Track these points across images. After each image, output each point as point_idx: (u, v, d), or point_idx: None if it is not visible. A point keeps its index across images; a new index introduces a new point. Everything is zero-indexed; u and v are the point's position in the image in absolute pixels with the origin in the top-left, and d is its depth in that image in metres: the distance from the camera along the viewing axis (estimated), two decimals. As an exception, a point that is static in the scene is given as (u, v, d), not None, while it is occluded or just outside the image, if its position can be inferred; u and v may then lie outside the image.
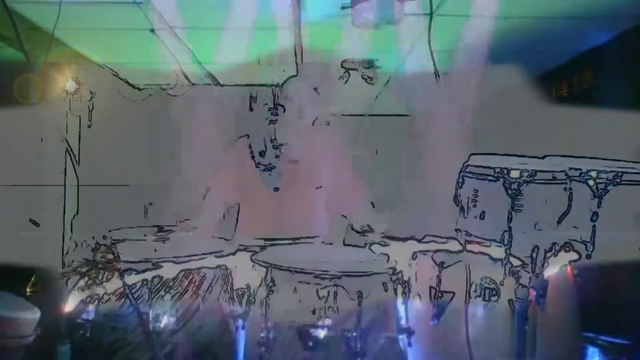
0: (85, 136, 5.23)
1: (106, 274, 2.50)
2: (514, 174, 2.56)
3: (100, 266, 2.50)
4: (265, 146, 3.14)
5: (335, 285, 2.39)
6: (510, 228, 2.55)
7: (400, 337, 2.53)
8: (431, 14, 3.50)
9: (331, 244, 2.99)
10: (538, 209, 2.56)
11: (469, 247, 2.62)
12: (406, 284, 2.59)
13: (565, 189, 2.59)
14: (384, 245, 2.71)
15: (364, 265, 2.48)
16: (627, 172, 2.60)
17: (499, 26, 3.79)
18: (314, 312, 2.38)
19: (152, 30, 3.94)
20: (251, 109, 3.18)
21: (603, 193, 2.59)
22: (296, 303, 2.40)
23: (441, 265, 2.58)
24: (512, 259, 2.56)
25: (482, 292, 2.56)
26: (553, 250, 2.55)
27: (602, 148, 2.85)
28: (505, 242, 2.56)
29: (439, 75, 3.93)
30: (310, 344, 2.36)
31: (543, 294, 2.52)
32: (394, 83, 5.14)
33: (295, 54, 4.48)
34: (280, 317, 2.44)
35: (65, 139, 4.59)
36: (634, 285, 2.62)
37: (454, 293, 2.57)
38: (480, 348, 2.52)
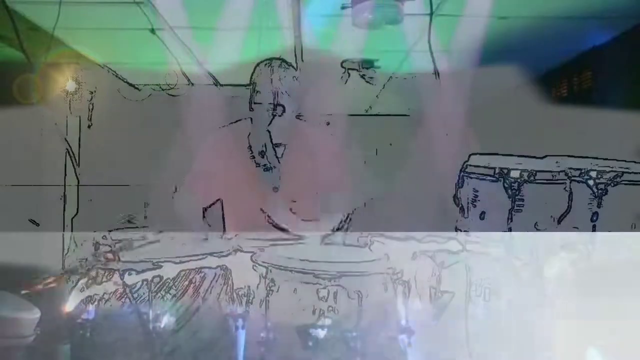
0: (85, 136, 5.23)
1: (106, 274, 2.50)
2: (514, 174, 2.56)
3: (100, 266, 2.50)
4: (265, 146, 3.13)
5: (335, 285, 2.38)
6: (510, 228, 2.55)
7: (400, 337, 2.52)
8: (431, 14, 3.50)
9: (330, 243, 2.99)
10: (538, 209, 2.56)
11: (469, 247, 2.62)
12: (406, 284, 2.58)
13: (565, 189, 2.59)
14: (384, 245, 2.71)
15: (364, 265, 2.48)
16: (627, 172, 2.61)
17: (499, 26, 3.79)
18: (314, 312, 2.38)
19: (152, 30, 3.94)
20: (251, 109, 3.17)
21: (603, 193, 2.59)
22: (296, 303, 2.40)
23: (441, 265, 2.58)
24: (512, 259, 2.56)
25: (482, 292, 2.56)
26: (553, 251, 2.55)
27: (602, 148, 2.85)
28: (505, 242, 2.56)
29: (439, 75, 3.93)
30: (310, 344, 2.36)
31: (543, 294, 2.52)
32: (394, 83, 5.14)
33: (295, 54, 4.48)
34: (280, 317, 2.43)
35: (66, 139, 4.60)
36: (633, 285, 2.62)
37: (454, 293, 2.57)
38: (480, 348, 2.52)
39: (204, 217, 3.15)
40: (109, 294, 2.51)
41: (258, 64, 3.19)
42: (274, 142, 3.15)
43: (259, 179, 3.13)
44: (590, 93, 4.44)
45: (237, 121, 3.30)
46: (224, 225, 3.18)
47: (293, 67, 3.25)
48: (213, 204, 3.21)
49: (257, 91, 3.12)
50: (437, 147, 4.62)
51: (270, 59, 3.21)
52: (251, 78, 3.18)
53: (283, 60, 3.22)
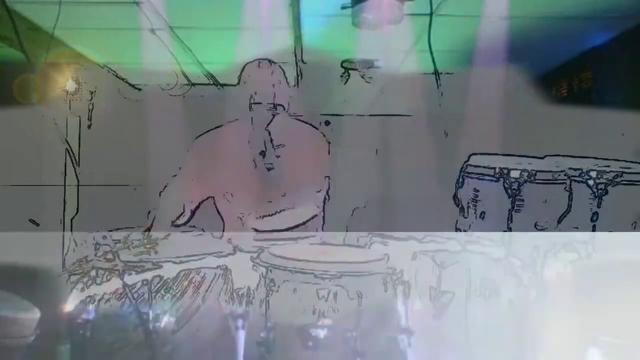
0: (85, 136, 5.22)
1: (106, 274, 2.50)
2: (514, 174, 2.57)
3: (100, 266, 2.50)
4: (265, 146, 3.14)
5: (335, 285, 2.39)
6: (510, 228, 2.55)
7: (400, 337, 2.52)
8: (431, 14, 3.50)
9: (331, 243, 2.99)
10: (538, 209, 2.56)
11: (469, 247, 2.62)
12: (406, 284, 2.58)
13: (565, 189, 2.60)
14: (384, 245, 2.71)
15: (364, 265, 2.48)
16: (627, 172, 2.61)
17: (499, 26, 3.79)
18: (314, 312, 2.38)
19: (152, 30, 3.93)
20: (251, 109, 3.17)
21: (603, 193, 2.59)
22: (296, 303, 2.40)
23: (441, 265, 2.58)
24: (512, 259, 2.56)
25: (482, 292, 2.56)
26: (553, 250, 2.56)
27: (602, 148, 2.85)
28: (505, 242, 2.56)
29: (439, 75, 3.92)
30: (310, 344, 2.36)
31: (543, 294, 2.52)
32: (393, 83, 5.14)
33: (295, 54, 4.48)
34: (280, 317, 2.43)
35: (66, 140, 4.60)
36: (633, 285, 2.62)
37: (454, 293, 2.57)
38: (480, 348, 2.52)
39: (191, 217, 3.15)
40: (109, 294, 2.51)
41: (249, 64, 3.18)
42: (273, 142, 3.16)
43: (256, 179, 3.14)
44: (590, 93, 4.43)
45: (228, 123, 3.30)
46: (223, 224, 3.18)
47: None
48: (202, 202, 3.22)
49: (255, 91, 3.12)
50: (437, 147, 4.61)
51: (267, 60, 3.21)
52: (241, 78, 3.18)
53: (274, 62, 3.23)
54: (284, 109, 3.13)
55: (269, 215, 3.04)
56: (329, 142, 3.31)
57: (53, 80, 4.73)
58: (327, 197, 3.20)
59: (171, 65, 4.69)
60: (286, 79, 3.24)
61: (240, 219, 2.90)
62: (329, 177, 3.20)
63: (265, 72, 3.16)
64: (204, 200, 3.23)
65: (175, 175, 3.26)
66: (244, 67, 3.20)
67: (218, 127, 3.33)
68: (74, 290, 2.52)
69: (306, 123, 3.36)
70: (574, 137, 3.74)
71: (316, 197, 3.15)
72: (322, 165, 3.20)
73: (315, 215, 3.14)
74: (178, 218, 3.11)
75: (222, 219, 3.22)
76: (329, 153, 3.26)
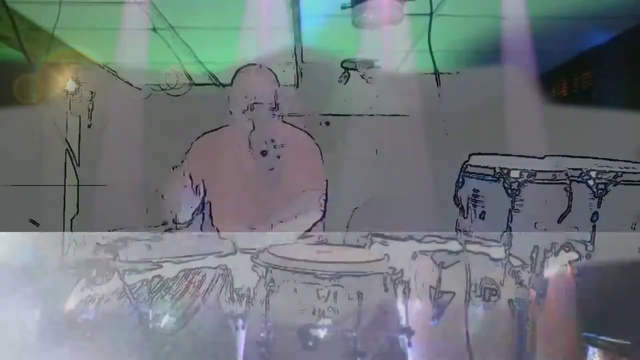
0: (85, 136, 5.23)
1: (106, 274, 2.50)
2: (514, 174, 2.56)
3: (100, 266, 2.50)
4: (267, 146, 3.14)
5: (335, 285, 2.39)
6: (510, 228, 2.55)
7: (400, 337, 2.52)
8: (431, 14, 3.51)
9: (331, 243, 2.99)
10: (538, 209, 2.57)
11: (469, 247, 2.62)
12: (406, 284, 2.58)
13: (565, 189, 2.59)
14: (384, 245, 2.71)
15: (364, 265, 2.48)
16: (627, 172, 2.61)
17: (499, 26, 3.80)
18: (314, 312, 2.38)
19: (153, 30, 3.94)
20: (252, 109, 3.17)
21: (603, 193, 2.59)
22: (296, 303, 2.40)
23: (441, 265, 2.58)
24: (512, 259, 2.57)
25: (482, 292, 2.56)
26: (553, 250, 2.56)
27: (602, 148, 2.85)
28: (505, 242, 2.56)
29: (439, 75, 3.93)
30: (310, 344, 2.36)
31: (543, 294, 2.53)
32: (393, 83, 5.14)
33: (295, 54, 4.48)
34: (280, 317, 2.43)
35: (66, 139, 4.60)
36: (634, 285, 2.62)
37: (454, 293, 2.57)
38: (480, 348, 2.52)
39: (191, 221, 3.14)
40: (109, 294, 2.51)
41: (243, 68, 3.18)
42: (275, 142, 3.16)
43: (256, 182, 3.14)
44: (590, 93, 4.44)
45: (225, 127, 3.29)
46: (212, 224, 3.17)
47: None
48: (201, 206, 3.21)
49: (255, 92, 3.12)
50: (437, 147, 4.62)
51: (257, 64, 3.21)
52: (237, 82, 3.16)
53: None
54: (278, 109, 3.15)
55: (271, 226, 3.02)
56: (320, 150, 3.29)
57: (53, 80, 4.74)
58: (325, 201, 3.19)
59: (171, 65, 4.70)
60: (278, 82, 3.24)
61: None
62: (326, 180, 3.19)
63: (262, 74, 3.16)
64: (203, 203, 3.23)
65: (173, 177, 3.24)
66: (237, 73, 3.18)
67: (215, 129, 3.31)
68: (74, 290, 2.52)
69: (298, 128, 3.36)
70: (574, 137, 3.74)
71: (319, 202, 3.15)
72: (319, 169, 3.20)
73: (320, 220, 3.12)
74: (175, 220, 3.10)
75: (212, 222, 3.21)
76: (321, 158, 3.25)
